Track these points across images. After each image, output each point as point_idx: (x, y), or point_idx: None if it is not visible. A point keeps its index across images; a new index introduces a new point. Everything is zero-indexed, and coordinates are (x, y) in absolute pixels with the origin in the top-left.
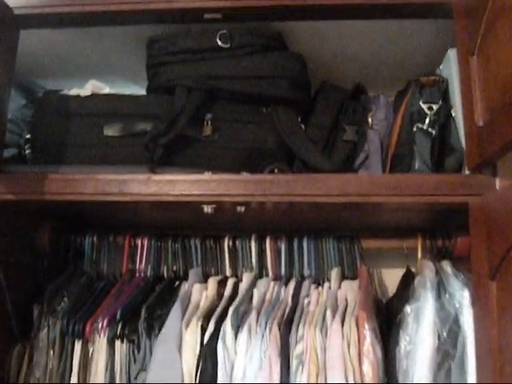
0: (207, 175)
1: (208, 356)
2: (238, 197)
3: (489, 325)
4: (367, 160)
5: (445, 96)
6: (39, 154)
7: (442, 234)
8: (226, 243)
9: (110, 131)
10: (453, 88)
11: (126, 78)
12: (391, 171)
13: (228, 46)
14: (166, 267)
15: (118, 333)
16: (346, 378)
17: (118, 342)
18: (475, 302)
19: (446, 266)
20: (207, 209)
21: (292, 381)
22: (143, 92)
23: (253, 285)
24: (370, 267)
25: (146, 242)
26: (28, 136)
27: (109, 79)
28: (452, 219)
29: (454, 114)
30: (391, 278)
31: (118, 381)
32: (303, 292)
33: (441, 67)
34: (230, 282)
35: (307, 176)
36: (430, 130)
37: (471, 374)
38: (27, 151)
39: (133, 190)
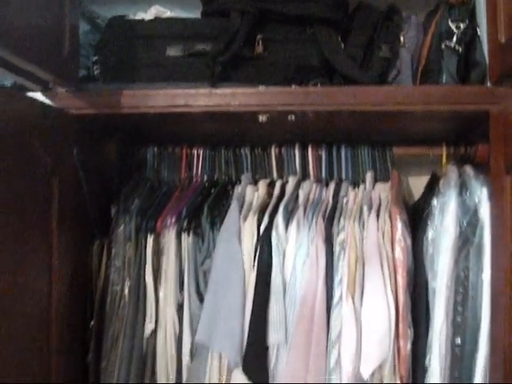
0: (262, 88)
1: (264, 244)
2: (288, 106)
3: (503, 215)
4: (399, 75)
5: (472, 15)
6: (108, 74)
7: (465, 142)
8: (273, 151)
9: (173, 51)
10: (479, 8)
11: (182, 2)
12: (421, 84)
13: None
14: (219, 173)
15: (185, 227)
16: (381, 263)
17: (184, 235)
18: (492, 196)
19: (468, 169)
20: (262, 118)
21: (335, 265)
22: (198, 16)
23: (298, 186)
24: (400, 173)
25: (201, 152)
26: (95, 58)
27: (167, 4)
28: (473, 130)
29: (479, 32)
30: (418, 184)
31: (185, 267)
32: (342, 192)
33: None
34: (278, 184)
35: (346, 88)
36: (456, 47)
37: (487, 257)
38: (96, 71)
39: (197, 102)
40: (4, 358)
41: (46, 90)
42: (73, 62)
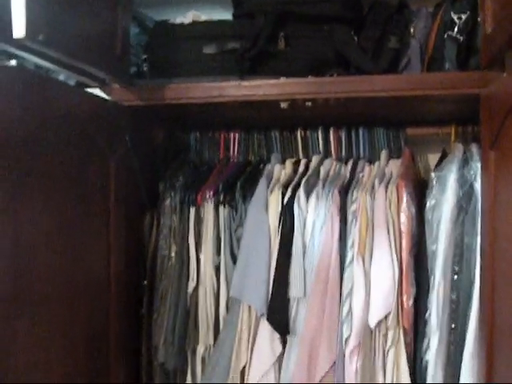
0: (283, 80)
1: (287, 213)
2: (305, 94)
3: (488, 186)
4: (409, 64)
5: (474, 6)
6: (155, 71)
7: (472, 123)
8: (299, 133)
9: (209, 49)
10: None
11: (215, 6)
12: (428, 71)
13: None
14: (252, 154)
15: (221, 200)
16: (388, 229)
17: (221, 207)
18: (482, 169)
19: (473, 147)
20: (283, 105)
21: (348, 231)
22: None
23: (320, 164)
24: (413, 151)
25: (236, 136)
26: (144, 56)
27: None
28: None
29: (480, 22)
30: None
31: (222, 234)
32: (358, 169)
33: None
34: (303, 162)
35: (359, 77)
36: (458, 36)
37: (479, 224)
38: (145, 68)
39: (229, 93)
40: (71, 313)
41: (102, 86)
42: (124, 60)
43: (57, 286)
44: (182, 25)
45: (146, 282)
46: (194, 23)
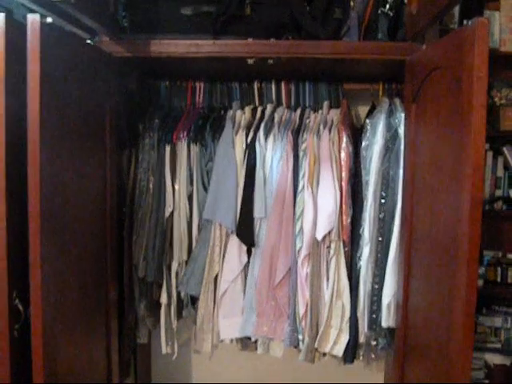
0: (250, 41)
1: (250, 150)
2: (269, 53)
3: (410, 132)
4: (348, 31)
5: None
6: (135, 26)
7: (396, 81)
8: (256, 85)
9: (185, 11)
10: None
11: None
12: (364, 39)
13: None
14: (215, 101)
15: (193, 139)
16: (331, 163)
17: (192, 145)
18: (405, 118)
19: (397, 101)
20: (250, 61)
21: (300, 164)
22: None
23: (274, 111)
24: (349, 103)
25: (202, 85)
26: (124, 13)
27: None
28: (403, 73)
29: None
30: (363, 112)
31: (194, 168)
32: (306, 115)
33: None
34: (259, 109)
35: (310, 42)
36: (389, 12)
37: (401, 160)
38: (125, 24)
39: (205, 49)
40: (84, 232)
41: (93, 38)
42: (115, 16)
43: (77, 208)
44: None
45: (125, 209)
46: None
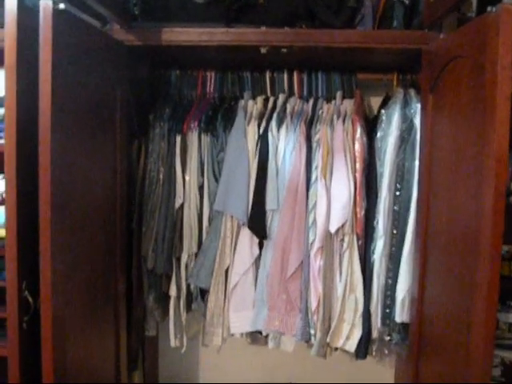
0: (263, 29)
1: (263, 141)
2: (282, 42)
3: (426, 123)
4: (363, 20)
5: None
6: (146, 14)
7: (411, 72)
8: (268, 74)
9: None
10: None
11: None
12: (378, 28)
13: None
14: (226, 91)
15: (204, 129)
16: (345, 154)
17: (203, 135)
18: (422, 109)
19: (411, 91)
20: (263, 50)
21: (313, 156)
22: None
23: (286, 101)
24: (362, 93)
25: (213, 74)
26: (135, 1)
27: None
28: (419, 62)
29: None
30: (376, 104)
31: (205, 158)
32: (318, 106)
33: None
34: (271, 100)
35: (324, 30)
36: (404, 0)
37: (416, 151)
38: (136, 12)
39: (217, 38)
40: (94, 222)
41: (104, 26)
42: (127, 3)
43: (87, 198)
44: None
45: (135, 201)
46: None
